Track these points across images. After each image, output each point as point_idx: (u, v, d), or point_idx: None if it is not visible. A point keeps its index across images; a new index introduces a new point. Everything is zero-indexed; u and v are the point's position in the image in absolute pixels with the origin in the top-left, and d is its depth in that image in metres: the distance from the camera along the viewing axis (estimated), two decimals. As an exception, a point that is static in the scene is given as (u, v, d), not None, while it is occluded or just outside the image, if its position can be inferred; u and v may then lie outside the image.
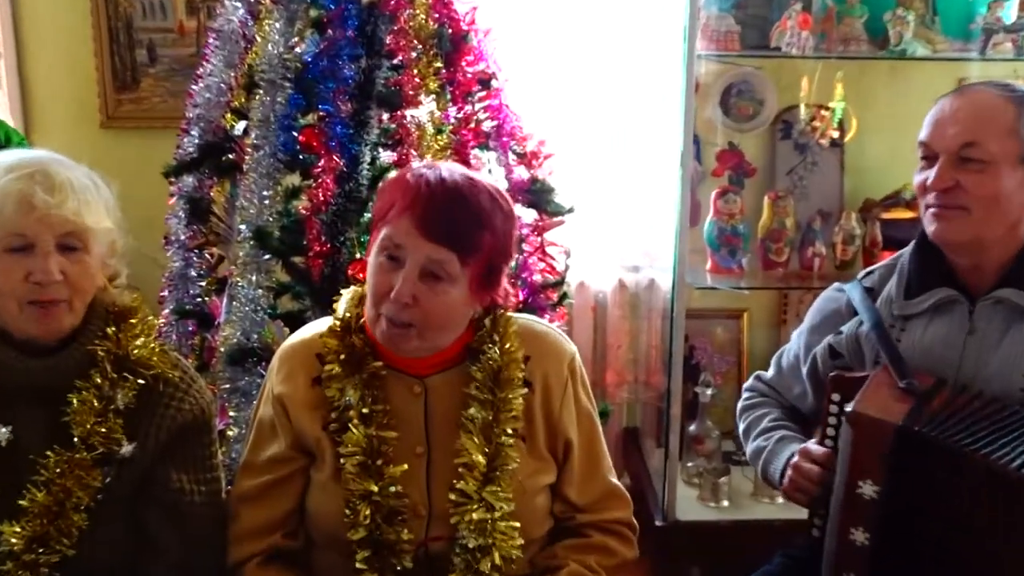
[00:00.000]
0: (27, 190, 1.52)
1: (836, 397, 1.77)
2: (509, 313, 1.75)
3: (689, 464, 3.16)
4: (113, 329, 1.62)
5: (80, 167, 1.63)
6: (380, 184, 1.71)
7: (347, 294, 1.76)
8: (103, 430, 1.57)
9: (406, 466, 1.64)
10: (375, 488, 1.61)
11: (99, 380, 1.58)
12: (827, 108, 3.04)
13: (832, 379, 1.80)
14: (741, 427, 2.06)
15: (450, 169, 1.63)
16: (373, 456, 1.63)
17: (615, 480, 1.83)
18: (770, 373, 2.09)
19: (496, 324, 1.71)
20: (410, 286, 1.57)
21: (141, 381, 1.61)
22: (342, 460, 1.64)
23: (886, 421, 1.64)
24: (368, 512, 1.61)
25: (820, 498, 1.77)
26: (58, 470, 1.54)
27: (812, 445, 1.81)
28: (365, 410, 1.64)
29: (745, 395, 2.11)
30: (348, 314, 1.71)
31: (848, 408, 1.69)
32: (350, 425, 1.63)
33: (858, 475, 1.66)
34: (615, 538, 1.79)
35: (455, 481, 1.64)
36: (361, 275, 1.76)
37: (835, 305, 1.95)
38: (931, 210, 1.77)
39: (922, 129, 1.79)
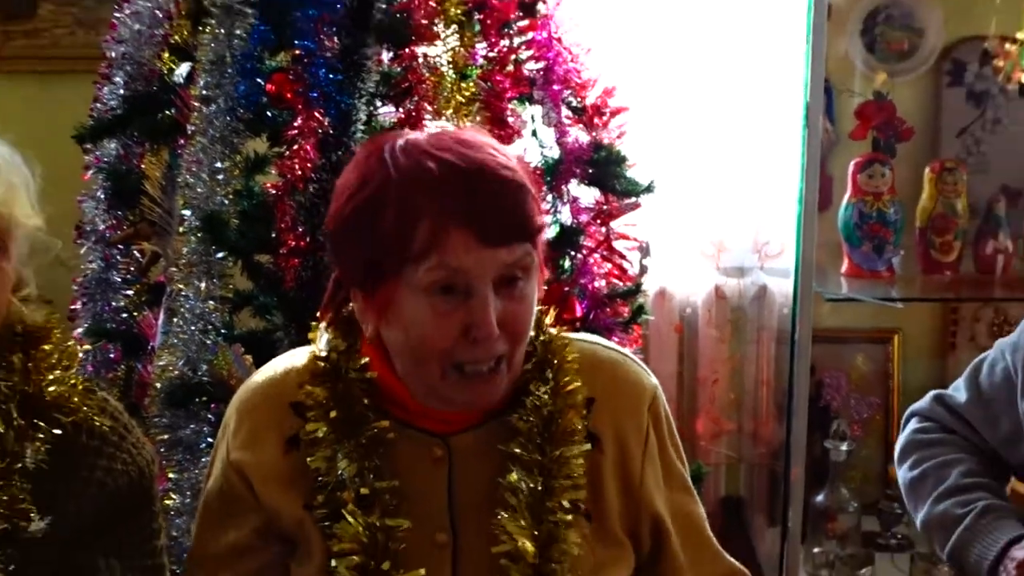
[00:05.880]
0: None
1: None
2: (564, 334, 1.77)
3: (816, 550, 3.18)
4: (20, 358, 1.65)
5: None
6: (347, 220, 1.63)
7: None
8: (5, 498, 1.59)
9: (423, 572, 1.65)
10: None
11: (1, 428, 1.60)
12: (1013, 40, 3.05)
13: None
14: (910, 473, 2.05)
15: (436, 141, 1.60)
16: (377, 556, 1.63)
17: (732, 559, 1.86)
18: (961, 395, 2.07)
19: (549, 351, 1.73)
20: (493, 309, 1.56)
21: (57, 431, 1.64)
22: (333, 562, 1.65)
23: None
24: None
25: None
26: (-56, 554, 1.58)
27: None
28: (365, 490, 1.65)
29: (915, 424, 2.10)
30: (335, 349, 1.73)
31: None
32: (344, 512, 1.64)
33: None
34: None
35: None
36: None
37: None
38: None
39: None
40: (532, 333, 1.70)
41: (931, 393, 2.12)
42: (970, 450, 2.03)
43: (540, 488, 1.66)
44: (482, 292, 1.55)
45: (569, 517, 1.67)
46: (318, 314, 1.79)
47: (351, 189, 1.62)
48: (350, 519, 1.64)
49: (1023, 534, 1.85)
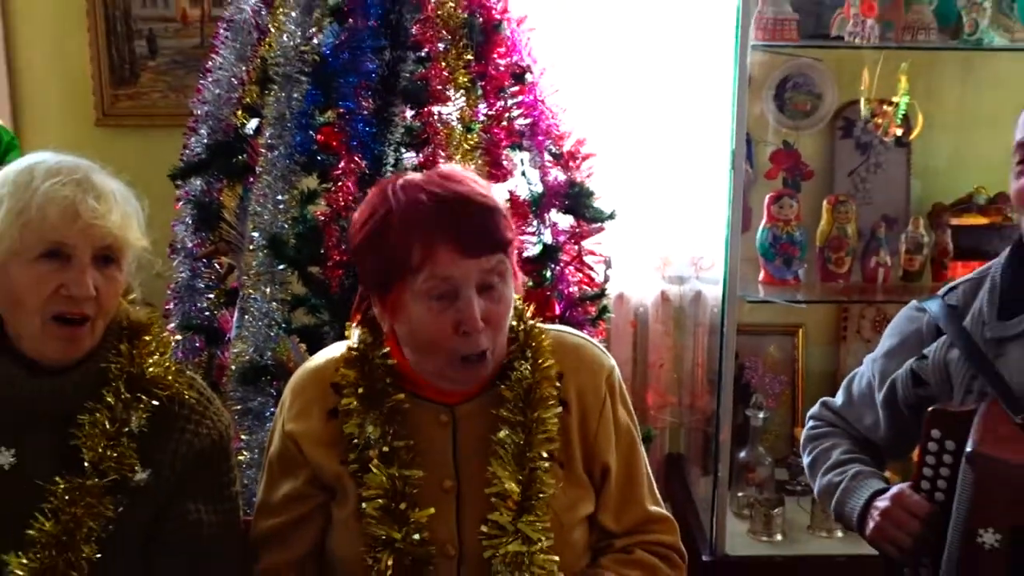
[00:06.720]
0: (75, 197, 1.56)
1: (936, 434, 1.74)
2: (541, 325, 1.77)
3: (739, 494, 3.17)
4: (126, 346, 1.66)
5: (115, 178, 1.67)
6: (363, 240, 1.64)
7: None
8: (115, 455, 1.59)
9: (432, 510, 1.66)
10: (398, 535, 1.63)
11: (111, 400, 1.61)
12: (890, 103, 3.05)
13: (932, 414, 1.76)
14: (807, 459, 2.06)
15: (427, 178, 1.64)
16: (396, 499, 1.65)
17: (659, 507, 1.83)
18: (839, 400, 2.08)
19: (529, 338, 1.73)
20: (477, 307, 1.58)
21: (156, 402, 1.65)
22: (364, 505, 1.66)
23: (1014, 461, 1.63)
24: (391, 562, 1.63)
25: (914, 551, 1.76)
26: (67, 497, 1.57)
27: (909, 492, 1.79)
28: (386, 448, 1.66)
29: (810, 424, 2.10)
30: (364, 341, 1.74)
31: (968, 448, 1.67)
32: (371, 466, 1.66)
33: (978, 523, 1.64)
34: (662, 561, 1.79)
35: (488, 512, 1.66)
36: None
37: (915, 326, 1.94)
38: None
39: (1018, 130, 1.78)
40: (515, 322, 1.72)
41: (820, 400, 2.14)
42: (846, 437, 2.03)
43: (522, 442, 1.67)
44: (467, 295, 1.58)
45: (546, 464, 1.68)
46: (350, 317, 1.80)
47: (364, 220, 1.65)
48: (375, 471, 1.65)
49: (885, 488, 1.85)
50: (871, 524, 1.82)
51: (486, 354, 1.63)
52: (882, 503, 1.81)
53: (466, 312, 1.58)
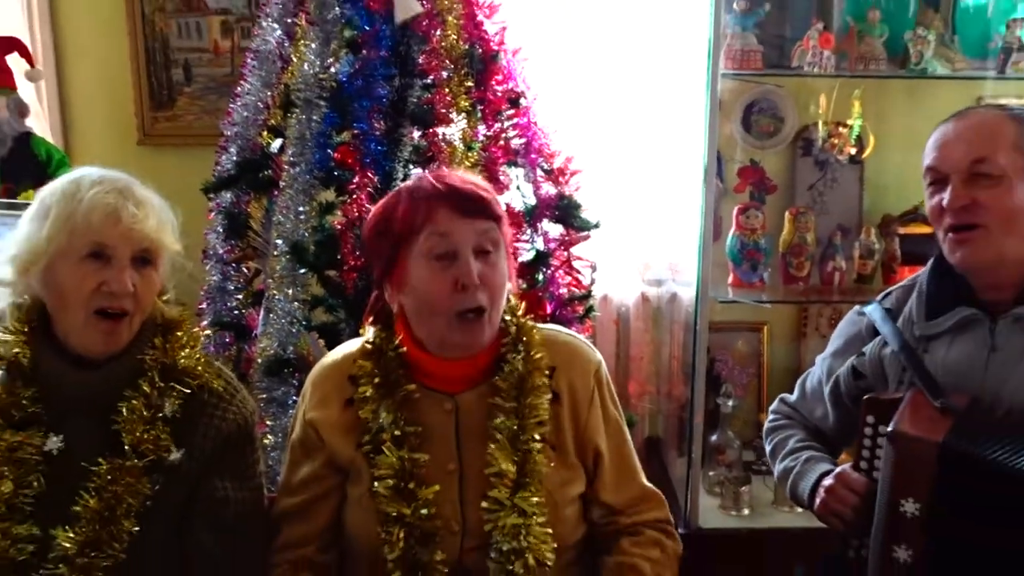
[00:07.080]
0: (116, 203, 1.59)
1: (871, 419, 1.78)
2: (532, 323, 1.77)
3: (711, 473, 3.16)
4: (160, 340, 1.66)
5: (154, 192, 1.69)
6: (375, 223, 1.72)
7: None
8: (151, 438, 1.60)
9: (438, 487, 1.66)
10: (407, 511, 1.63)
11: (147, 389, 1.61)
12: (845, 125, 3.05)
13: (866, 402, 1.80)
14: (768, 448, 2.08)
15: (433, 172, 1.71)
16: (405, 479, 1.65)
17: (648, 483, 1.84)
18: (794, 396, 2.11)
19: (521, 333, 1.73)
20: (474, 266, 1.61)
21: (187, 390, 1.65)
22: (375, 484, 1.66)
23: (928, 439, 1.66)
24: (402, 535, 1.63)
25: (854, 523, 1.78)
26: (109, 477, 1.57)
27: (850, 471, 1.81)
28: (397, 432, 1.66)
29: (770, 417, 2.13)
30: (378, 336, 1.73)
31: (889, 428, 1.71)
32: (383, 448, 1.66)
33: (900, 494, 1.67)
34: (662, 535, 1.81)
35: (487, 491, 1.65)
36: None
37: (856, 329, 1.97)
38: (950, 236, 1.76)
39: (926, 156, 1.80)
40: (508, 317, 1.71)
41: (779, 397, 2.16)
42: (800, 428, 2.06)
43: (516, 427, 1.67)
44: (464, 254, 1.61)
45: (538, 446, 1.68)
46: (363, 315, 1.81)
47: (376, 212, 1.72)
48: (388, 452, 1.65)
49: (831, 469, 1.88)
50: (818, 500, 1.85)
51: (483, 313, 1.63)
52: (827, 481, 1.84)
53: (464, 268, 1.60)
